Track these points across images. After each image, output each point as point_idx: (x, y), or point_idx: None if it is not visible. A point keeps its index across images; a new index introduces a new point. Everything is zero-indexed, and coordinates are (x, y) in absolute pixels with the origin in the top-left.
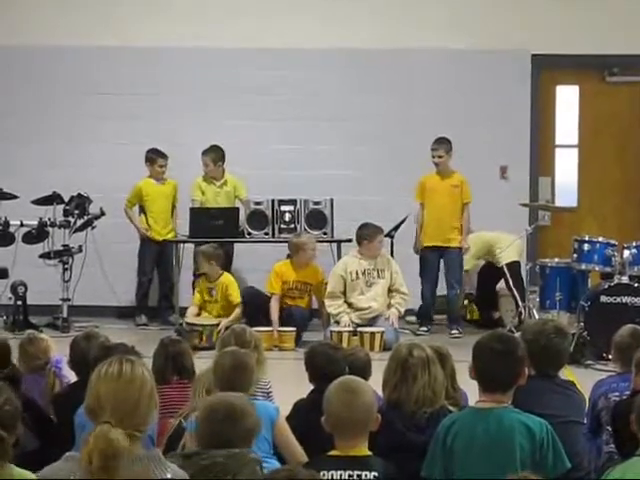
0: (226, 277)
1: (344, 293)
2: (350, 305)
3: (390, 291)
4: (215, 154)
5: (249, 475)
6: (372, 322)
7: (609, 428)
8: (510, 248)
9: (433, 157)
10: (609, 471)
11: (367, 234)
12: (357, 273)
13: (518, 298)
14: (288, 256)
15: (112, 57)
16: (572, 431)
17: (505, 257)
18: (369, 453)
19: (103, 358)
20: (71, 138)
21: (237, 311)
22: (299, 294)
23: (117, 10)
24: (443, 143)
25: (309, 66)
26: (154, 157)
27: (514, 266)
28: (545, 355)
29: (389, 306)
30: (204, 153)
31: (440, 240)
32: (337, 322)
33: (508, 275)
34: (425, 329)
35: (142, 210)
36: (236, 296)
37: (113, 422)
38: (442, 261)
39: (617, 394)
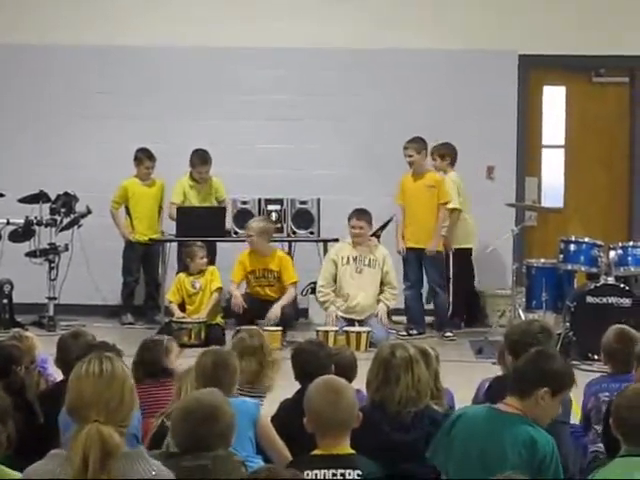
0: (211, 268)
1: (335, 280)
2: (340, 290)
3: (382, 284)
4: (211, 161)
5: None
6: (363, 322)
7: (596, 427)
8: (468, 232)
9: (405, 157)
10: (596, 472)
11: (349, 217)
12: (348, 258)
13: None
14: None
15: (102, 56)
16: (558, 431)
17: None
18: (352, 452)
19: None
20: (58, 137)
21: (215, 295)
22: (267, 282)
23: (109, 9)
24: (414, 142)
25: (297, 66)
26: (142, 158)
27: (466, 253)
28: None
29: (378, 302)
30: (203, 162)
31: (417, 242)
32: (325, 310)
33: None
34: (416, 332)
35: (127, 211)
36: (218, 282)
37: (101, 420)
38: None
39: (607, 394)
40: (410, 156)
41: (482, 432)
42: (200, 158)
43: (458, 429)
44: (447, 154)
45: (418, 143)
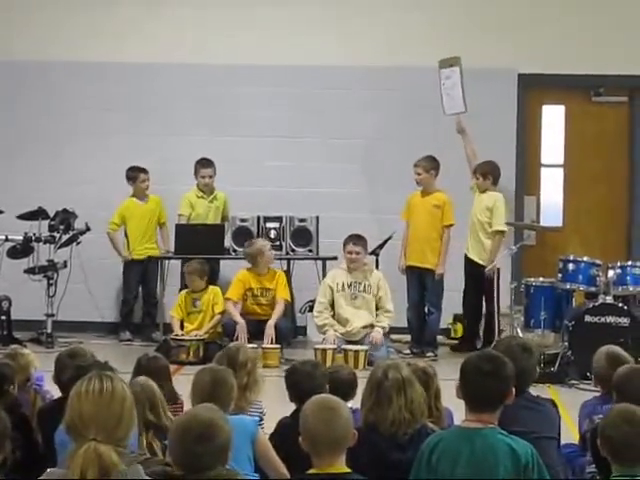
0: (213, 288)
1: (332, 305)
2: (337, 316)
3: (377, 309)
4: (214, 167)
5: None
6: (359, 342)
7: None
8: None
9: (414, 174)
10: None
11: (345, 242)
12: (343, 285)
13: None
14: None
15: (101, 73)
16: (544, 446)
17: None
18: (348, 470)
19: (75, 379)
20: (57, 153)
21: (218, 317)
22: (265, 300)
23: (105, 26)
24: (423, 161)
25: (298, 83)
26: (136, 174)
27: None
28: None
29: (373, 326)
30: (206, 165)
31: (418, 261)
32: (323, 335)
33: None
34: (418, 351)
35: (125, 232)
36: (221, 305)
37: (99, 439)
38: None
39: (601, 416)
40: (418, 174)
41: (466, 454)
42: (202, 162)
43: (439, 456)
44: (489, 172)
45: (427, 162)
